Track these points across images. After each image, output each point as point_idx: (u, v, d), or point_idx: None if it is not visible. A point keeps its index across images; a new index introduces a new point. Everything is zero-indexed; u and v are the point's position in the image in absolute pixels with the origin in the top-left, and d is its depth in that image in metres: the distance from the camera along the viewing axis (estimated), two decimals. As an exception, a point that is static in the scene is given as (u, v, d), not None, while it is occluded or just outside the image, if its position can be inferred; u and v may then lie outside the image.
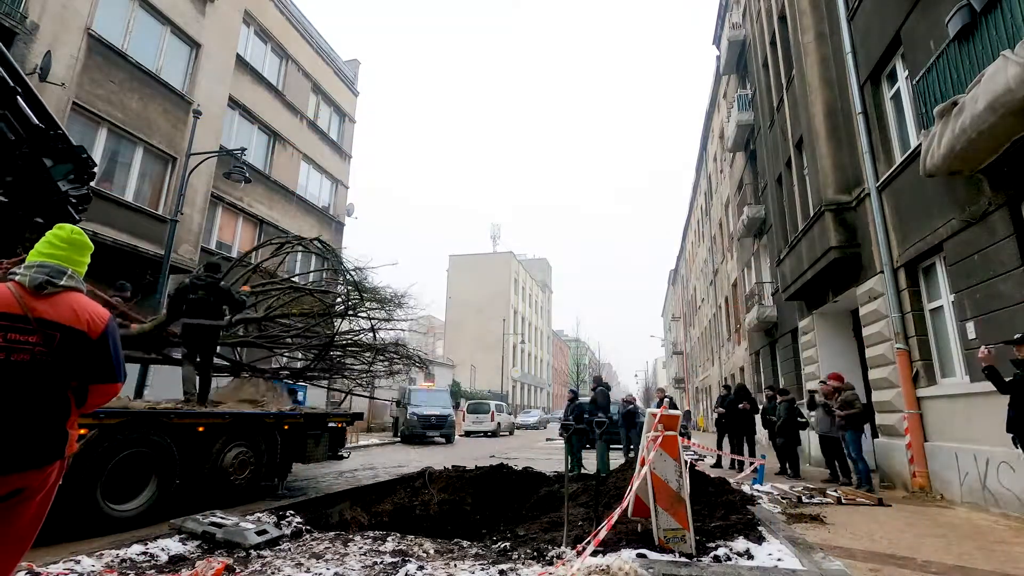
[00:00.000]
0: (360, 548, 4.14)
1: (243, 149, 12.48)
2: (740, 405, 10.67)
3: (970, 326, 6.19)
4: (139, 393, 9.34)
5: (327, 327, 8.97)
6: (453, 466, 8.55)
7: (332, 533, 4.73)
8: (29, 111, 4.61)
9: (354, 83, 21.36)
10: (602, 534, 3.63)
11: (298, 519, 4.97)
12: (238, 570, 3.56)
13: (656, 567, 3.48)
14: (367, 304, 9.10)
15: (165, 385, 10.48)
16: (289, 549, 4.14)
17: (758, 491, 6.98)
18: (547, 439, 23.52)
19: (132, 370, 9.66)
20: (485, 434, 19.79)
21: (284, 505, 5.89)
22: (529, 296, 64.22)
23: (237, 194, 14.69)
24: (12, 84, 4.48)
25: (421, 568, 3.54)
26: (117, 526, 4.82)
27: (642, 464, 4.16)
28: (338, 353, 9.28)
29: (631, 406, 12.06)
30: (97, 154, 10.29)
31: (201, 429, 5.90)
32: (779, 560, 3.81)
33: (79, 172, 5.16)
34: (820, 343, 11.07)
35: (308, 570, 3.56)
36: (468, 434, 23.91)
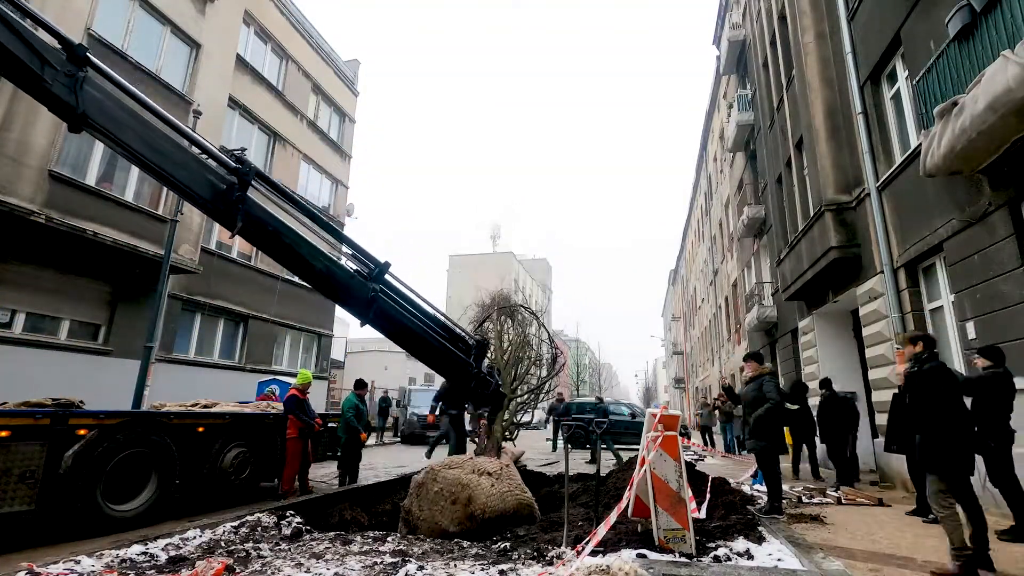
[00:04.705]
0: (360, 548, 4.14)
1: (243, 149, 12.24)
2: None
3: (970, 326, 6.19)
4: (139, 393, 9.32)
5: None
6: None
7: (332, 533, 4.73)
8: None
9: (354, 83, 21.33)
10: (601, 533, 3.63)
11: (298, 519, 4.97)
12: (238, 570, 3.55)
13: (656, 567, 3.48)
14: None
15: (165, 385, 10.49)
16: (289, 549, 4.13)
17: (758, 491, 6.98)
18: (547, 439, 23.47)
19: (133, 368, 9.66)
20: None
21: (284, 505, 5.89)
22: (529, 297, 64.15)
23: (237, 194, 14.67)
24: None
25: (421, 568, 3.53)
26: (117, 526, 4.82)
27: (642, 464, 4.16)
28: None
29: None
30: (97, 154, 10.29)
31: (201, 430, 5.92)
32: (779, 560, 3.81)
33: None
34: (820, 343, 11.07)
35: (308, 570, 3.55)
36: (469, 433, 23.85)
